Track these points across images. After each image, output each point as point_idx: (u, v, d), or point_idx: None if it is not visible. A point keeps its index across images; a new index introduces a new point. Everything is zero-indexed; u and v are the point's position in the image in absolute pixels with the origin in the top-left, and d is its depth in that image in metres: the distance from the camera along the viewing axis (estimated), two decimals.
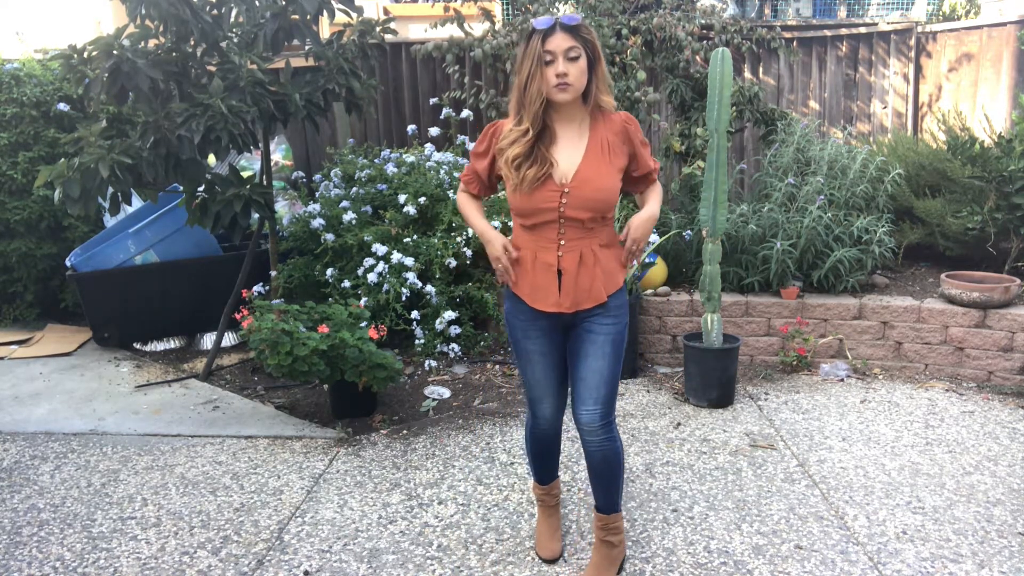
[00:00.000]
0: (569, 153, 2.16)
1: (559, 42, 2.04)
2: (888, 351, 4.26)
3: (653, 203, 2.29)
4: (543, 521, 2.60)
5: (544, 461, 2.53)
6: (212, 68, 3.76)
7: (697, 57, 5.13)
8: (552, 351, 2.30)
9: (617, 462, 2.30)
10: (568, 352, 2.30)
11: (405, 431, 3.56)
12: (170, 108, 3.55)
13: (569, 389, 2.33)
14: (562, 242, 2.17)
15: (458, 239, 4.39)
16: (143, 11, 3.44)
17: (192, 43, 3.65)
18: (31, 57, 5.27)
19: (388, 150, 5.07)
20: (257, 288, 4.38)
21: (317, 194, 4.95)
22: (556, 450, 2.53)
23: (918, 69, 5.88)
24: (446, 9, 5.21)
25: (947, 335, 4.14)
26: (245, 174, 4.99)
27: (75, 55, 3.44)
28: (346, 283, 4.33)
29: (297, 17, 3.75)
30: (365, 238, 4.39)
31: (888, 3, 6.75)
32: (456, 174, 4.77)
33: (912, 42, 5.80)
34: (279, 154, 5.64)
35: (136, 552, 2.62)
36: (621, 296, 2.26)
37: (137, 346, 4.81)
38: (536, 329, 2.27)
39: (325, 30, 5.96)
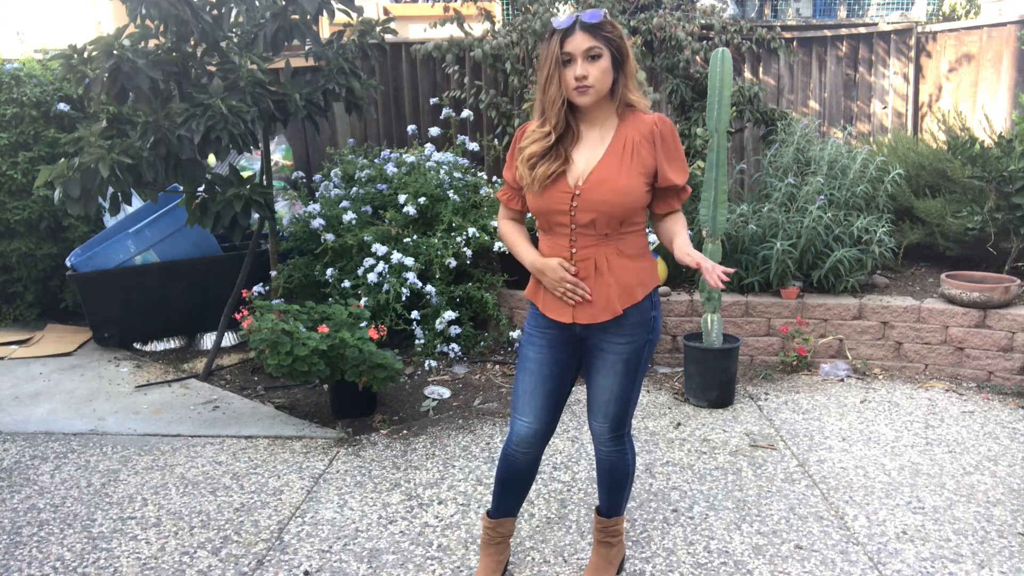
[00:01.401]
0: (588, 154, 2.03)
1: (578, 42, 1.92)
2: (888, 351, 4.26)
3: (685, 235, 2.07)
4: (483, 560, 2.37)
5: (503, 488, 2.29)
6: (212, 68, 3.76)
7: (697, 57, 5.13)
8: (551, 364, 2.15)
9: (624, 472, 2.27)
10: (583, 363, 2.20)
11: (405, 431, 3.56)
12: (170, 108, 3.55)
13: (557, 424, 2.22)
14: (574, 250, 2.04)
15: (458, 239, 4.39)
16: (143, 11, 3.44)
17: (192, 43, 3.65)
18: (31, 57, 5.27)
19: (388, 150, 5.07)
20: (257, 288, 4.38)
21: (317, 194, 4.95)
22: (522, 484, 2.29)
23: (918, 69, 5.88)
24: (446, 9, 5.21)
25: (947, 335, 4.14)
26: (245, 174, 4.99)
27: (75, 55, 3.44)
28: (346, 283, 4.33)
29: (297, 17, 3.75)
30: (365, 238, 4.39)
31: (888, 3, 6.75)
32: (456, 174, 4.77)
33: (912, 42, 5.80)
34: (279, 154, 5.64)
35: (136, 552, 2.62)
36: (641, 312, 2.09)
37: (137, 346, 4.81)
38: (543, 337, 2.15)
39: (325, 30, 5.96)
